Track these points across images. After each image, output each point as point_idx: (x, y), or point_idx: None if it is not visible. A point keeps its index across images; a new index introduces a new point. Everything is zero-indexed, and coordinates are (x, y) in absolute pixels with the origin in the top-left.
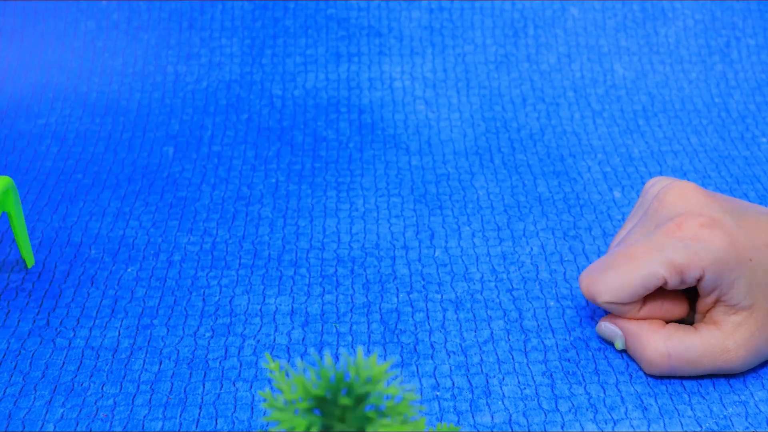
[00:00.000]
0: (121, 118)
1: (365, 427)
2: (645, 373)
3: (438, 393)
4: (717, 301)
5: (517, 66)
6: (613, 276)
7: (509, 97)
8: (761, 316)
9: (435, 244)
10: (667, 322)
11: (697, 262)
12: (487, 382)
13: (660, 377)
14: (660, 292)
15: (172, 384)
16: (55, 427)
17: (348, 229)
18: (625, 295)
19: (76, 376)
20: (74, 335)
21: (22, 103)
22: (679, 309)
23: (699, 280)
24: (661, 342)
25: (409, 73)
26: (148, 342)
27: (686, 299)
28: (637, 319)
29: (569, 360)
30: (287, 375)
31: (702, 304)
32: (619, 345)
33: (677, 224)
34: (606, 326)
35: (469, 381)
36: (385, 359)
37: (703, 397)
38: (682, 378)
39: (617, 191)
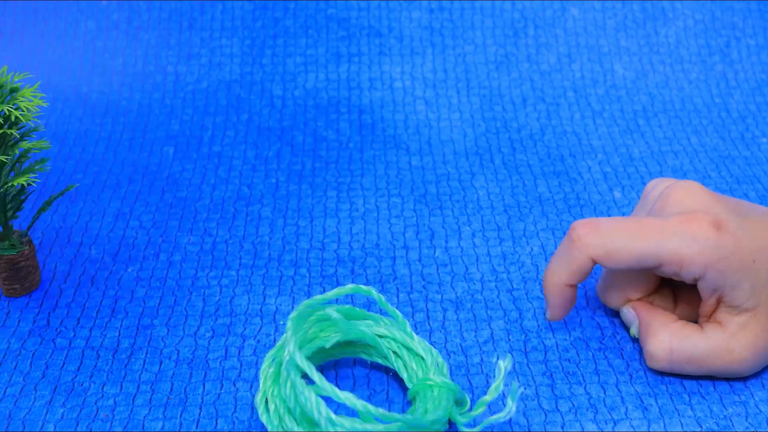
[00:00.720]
0: (122, 118)
1: None
2: (647, 365)
3: None
4: (719, 302)
5: (517, 66)
6: (617, 235)
7: (509, 97)
8: (765, 318)
9: (435, 244)
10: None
11: (703, 259)
12: (487, 382)
13: (661, 373)
14: (671, 290)
15: (172, 384)
16: (55, 427)
17: (348, 229)
18: (617, 260)
19: (76, 376)
20: (74, 335)
21: None
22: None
23: (698, 279)
24: (666, 336)
25: (409, 73)
26: (149, 342)
27: (696, 302)
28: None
29: (569, 360)
30: None
31: (705, 306)
32: (633, 331)
33: (688, 218)
34: (626, 311)
35: (469, 381)
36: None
37: (703, 397)
38: (683, 377)
39: (617, 191)
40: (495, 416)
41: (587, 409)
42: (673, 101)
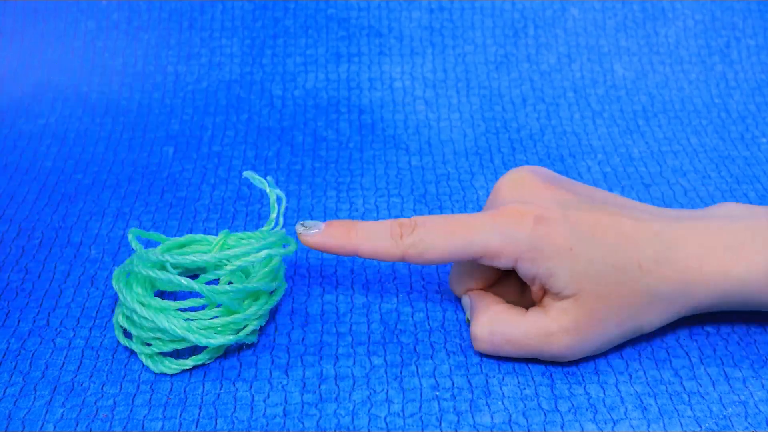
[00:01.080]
0: (121, 118)
1: None
2: (474, 348)
3: (438, 393)
4: (543, 289)
5: (517, 66)
6: (434, 235)
7: (509, 98)
8: (588, 304)
9: None
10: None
11: (510, 250)
12: (487, 382)
13: (487, 355)
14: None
15: (171, 384)
16: (54, 427)
17: None
18: (427, 259)
19: (75, 376)
20: (74, 335)
21: (22, 103)
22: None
23: (515, 268)
24: (486, 319)
25: (409, 73)
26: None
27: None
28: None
29: None
30: None
31: (532, 291)
32: (467, 317)
33: (500, 212)
34: (463, 298)
35: (469, 381)
36: (385, 359)
37: (703, 397)
38: (682, 377)
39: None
40: (281, 208)
41: (587, 409)
42: (673, 101)
